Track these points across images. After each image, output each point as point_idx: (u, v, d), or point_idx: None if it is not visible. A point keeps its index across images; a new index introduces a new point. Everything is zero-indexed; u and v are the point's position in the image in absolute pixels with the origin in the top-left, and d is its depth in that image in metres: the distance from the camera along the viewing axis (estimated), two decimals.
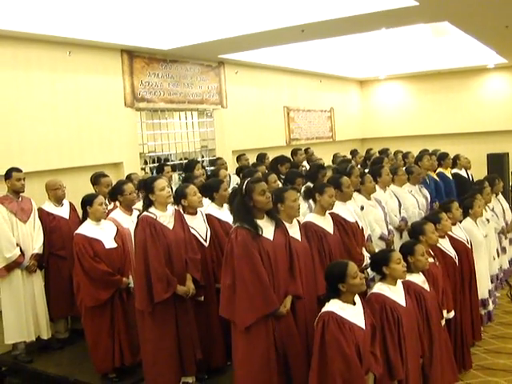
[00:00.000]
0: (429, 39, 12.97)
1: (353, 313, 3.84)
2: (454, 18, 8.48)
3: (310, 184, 6.24)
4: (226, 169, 8.73)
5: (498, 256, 7.05)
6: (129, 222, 5.80)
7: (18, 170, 6.31)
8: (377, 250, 5.65)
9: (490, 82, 14.82)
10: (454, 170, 9.30)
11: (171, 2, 8.14)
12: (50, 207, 6.59)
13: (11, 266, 6.09)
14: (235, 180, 8.12)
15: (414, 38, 12.77)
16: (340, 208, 5.58)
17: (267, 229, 4.36)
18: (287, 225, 4.59)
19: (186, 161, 8.94)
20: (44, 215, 6.48)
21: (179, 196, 5.34)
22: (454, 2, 7.31)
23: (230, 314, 4.27)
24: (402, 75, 15.41)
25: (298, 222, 4.87)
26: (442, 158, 9.13)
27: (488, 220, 6.84)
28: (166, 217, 5.01)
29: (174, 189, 5.75)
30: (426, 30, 12.53)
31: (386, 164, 7.99)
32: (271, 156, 9.16)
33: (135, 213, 5.87)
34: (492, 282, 6.69)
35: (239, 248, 4.18)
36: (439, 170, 8.98)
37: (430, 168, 8.57)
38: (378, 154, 10.10)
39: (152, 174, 9.02)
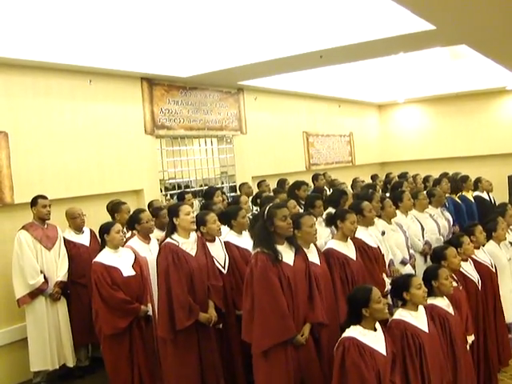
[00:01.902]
0: (447, 62, 12.97)
1: (374, 339, 3.83)
2: (472, 40, 8.46)
3: (331, 210, 6.23)
4: (251, 194, 8.77)
5: None
6: (146, 251, 5.86)
7: (44, 197, 6.42)
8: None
9: (509, 104, 14.75)
10: (476, 193, 9.26)
11: (190, 30, 8.22)
12: (70, 235, 6.70)
13: (35, 293, 6.17)
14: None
15: (432, 62, 12.78)
16: (362, 233, 5.61)
17: (287, 254, 4.39)
18: (305, 250, 4.63)
19: (206, 188, 8.96)
20: (65, 243, 6.54)
21: (199, 223, 5.37)
22: (472, 25, 7.30)
23: (250, 337, 4.30)
24: (421, 99, 15.40)
25: (316, 246, 4.87)
26: (463, 180, 9.14)
27: (511, 243, 6.75)
28: (188, 243, 5.06)
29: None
30: (443, 53, 12.53)
31: (406, 188, 7.96)
32: (291, 181, 9.14)
33: (153, 241, 5.89)
34: None
35: (258, 273, 4.21)
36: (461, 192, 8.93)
37: (448, 191, 8.52)
38: (397, 178, 10.06)
39: (170, 200, 9.03)
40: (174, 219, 5.04)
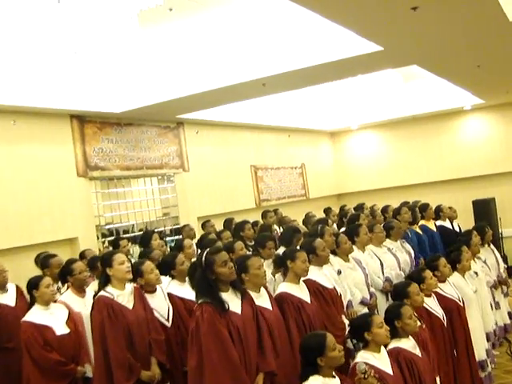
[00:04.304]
0: (400, 84, 13.25)
1: None
2: (422, 61, 8.73)
3: (279, 251, 6.22)
4: (194, 236, 8.71)
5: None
6: (81, 305, 5.75)
7: None
8: None
9: (469, 124, 15.12)
10: (438, 222, 9.36)
11: (122, 62, 8.22)
12: None
13: None
14: None
15: (385, 84, 13.03)
16: (316, 273, 5.58)
17: (234, 302, 4.35)
18: (255, 294, 4.64)
19: (142, 232, 8.85)
20: None
21: (135, 274, 5.33)
22: (420, 45, 7.52)
23: None
24: (375, 124, 15.64)
25: (266, 289, 4.85)
26: (422, 209, 9.22)
27: (476, 273, 6.84)
28: (124, 296, 5.00)
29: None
30: (395, 75, 12.81)
31: (363, 221, 8.00)
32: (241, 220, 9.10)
33: (89, 294, 5.78)
34: (488, 341, 6.65)
35: (206, 326, 4.15)
36: (421, 222, 9.03)
37: (409, 221, 8.60)
38: (353, 211, 10.14)
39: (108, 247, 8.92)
40: (108, 269, 4.99)
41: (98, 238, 9.22)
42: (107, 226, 9.81)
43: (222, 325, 4.18)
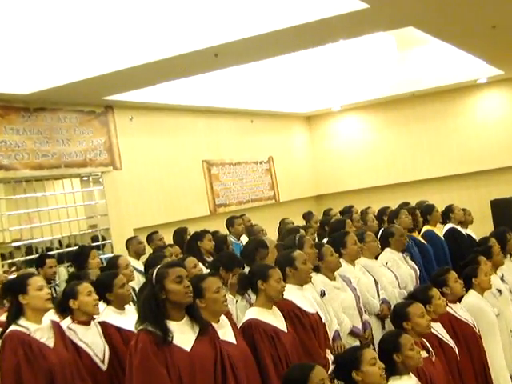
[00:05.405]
0: (394, 53, 13.34)
1: None
2: (420, 21, 8.78)
3: (244, 270, 6.26)
4: (143, 252, 8.79)
5: None
6: None
7: None
8: None
9: (484, 103, 15.32)
10: (449, 226, 9.43)
11: (29, 29, 8.19)
12: None
13: None
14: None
15: (375, 53, 13.12)
16: (294, 294, 5.63)
17: (184, 335, 4.32)
18: (213, 325, 4.61)
19: (77, 248, 8.81)
20: None
21: (67, 295, 5.36)
22: (418, 0, 7.59)
23: None
24: (364, 104, 15.76)
25: (230, 317, 4.90)
26: (427, 211, 9.31)
27: (500, 291, 6.94)
28: (43, 331, 4.98)
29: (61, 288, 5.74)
30: (389, 42, 12.88)
31: (350, 228, 8.07)
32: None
33: None
34: None
35: (138, 359, 4.14)
36: (426, 227, 9.13)
37: (409, 227, 8.72)
38: (339, 216, 10.23)
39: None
40: (21, 297, 4.96)
41: (2, 258, 9.20)
42: (15, 243, 9.78)
43: (158, 360, 4.14)
